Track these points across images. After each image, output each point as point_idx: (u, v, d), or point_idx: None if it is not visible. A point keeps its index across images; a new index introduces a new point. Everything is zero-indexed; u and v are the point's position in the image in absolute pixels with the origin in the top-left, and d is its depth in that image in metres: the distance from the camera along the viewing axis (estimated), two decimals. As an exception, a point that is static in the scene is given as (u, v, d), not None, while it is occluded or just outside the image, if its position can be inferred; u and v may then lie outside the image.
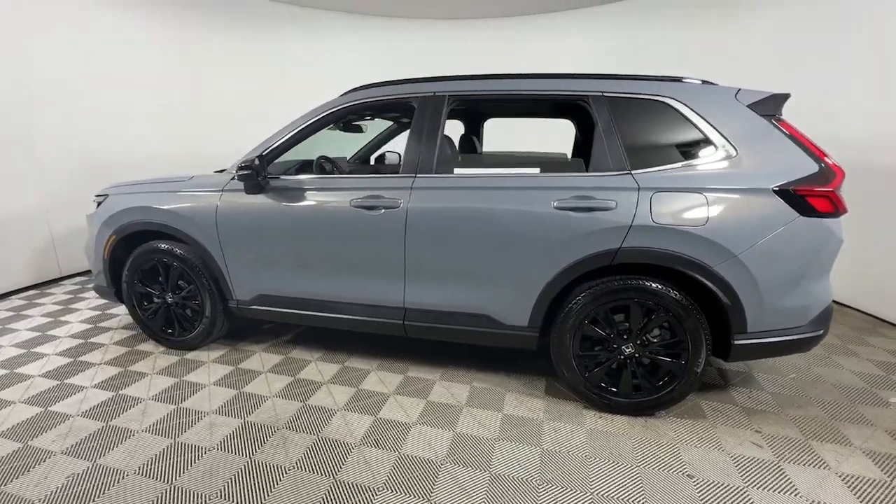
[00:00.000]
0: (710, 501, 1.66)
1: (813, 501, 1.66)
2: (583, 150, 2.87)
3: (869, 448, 1.95)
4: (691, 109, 2.04)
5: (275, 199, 2.45)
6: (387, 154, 3.23)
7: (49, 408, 2.20)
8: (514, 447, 1.95)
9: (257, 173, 2.38)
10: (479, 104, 2.92)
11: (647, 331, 2.09)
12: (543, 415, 2.18)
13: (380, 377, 2.51)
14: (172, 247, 2.65)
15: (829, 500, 1.66)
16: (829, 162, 1.93)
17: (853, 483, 1.75)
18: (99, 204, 2.87)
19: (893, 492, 1.71)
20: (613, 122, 2.10)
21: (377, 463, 1.83)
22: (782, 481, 1.76)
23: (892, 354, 2.80)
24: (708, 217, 1.92)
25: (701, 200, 1.94)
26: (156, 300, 2.82)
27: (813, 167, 1.91)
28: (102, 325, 3.22)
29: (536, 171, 2.19)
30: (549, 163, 2.32)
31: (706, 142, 2.01)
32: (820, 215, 1.89)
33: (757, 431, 2.06)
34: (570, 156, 3.29)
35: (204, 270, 2.63)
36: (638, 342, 2.10)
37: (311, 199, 2.41)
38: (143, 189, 2.76)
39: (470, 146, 3.24)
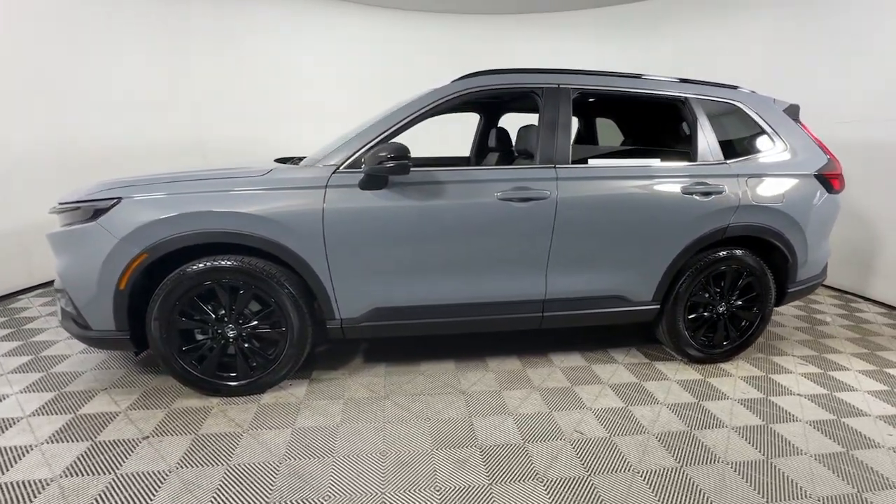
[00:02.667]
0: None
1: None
2: (666, 143, 3.00)
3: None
4: (754, 112, 2.60)
5: (401, 195, 2.12)
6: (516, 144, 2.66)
7: None
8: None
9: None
10: (595, 99, 2.81)
11: (733, 291, 2.58)
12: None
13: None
14: (243, 262, 2.03)
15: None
16: (832, 154, 2.71)
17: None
18: (76, 217, 2.00)
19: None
20: (707, 121, 2.51)
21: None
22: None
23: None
24: (784, 195, 2.50)
25: (777, 183, 2.50)
26: (203, 337, 2.12)
27: (825, 158, 2.66)
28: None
29: (657, 161, 2.46)
30: (664, 154, 2.59)
31: (768, 137, 2.59)
32: (834, 192, 2.65)
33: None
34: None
35: (291, 287, 2.09)
36: (727, 302, 2.58)
37: (448, 193, 2.17)
38: (189, 189, 2.01)
39: (590, 138, 3.36)
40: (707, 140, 2.49)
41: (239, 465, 1.72)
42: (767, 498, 1.63)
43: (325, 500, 1.56)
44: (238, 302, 2.08)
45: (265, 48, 5.42)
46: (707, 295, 2.56)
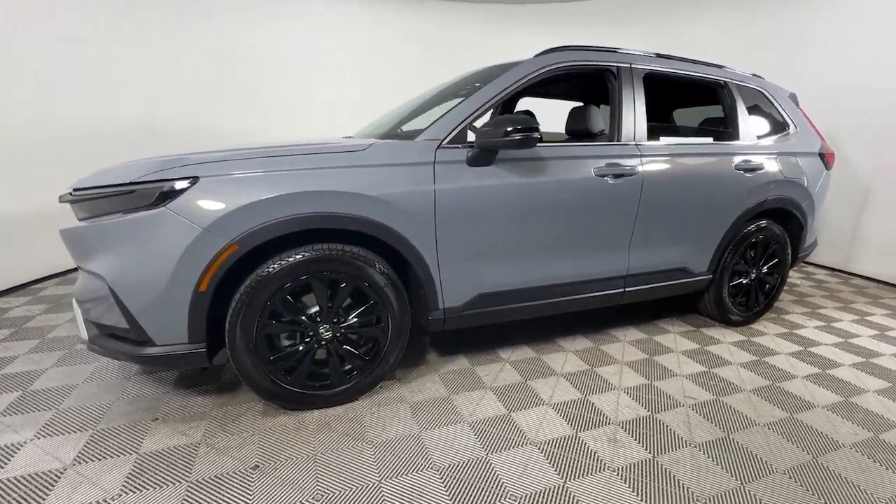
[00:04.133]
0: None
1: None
2: (713, 124, 2.96)
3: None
4: (773, 96, 2.90)
5: (507, 172, 1.99)
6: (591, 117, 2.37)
7: None
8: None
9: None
10: (657, 82, 2.63)
11: (759, 259, 2.87)
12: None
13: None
14: (345, 251, 1.76)
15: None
16: (823, 137, 3.13)
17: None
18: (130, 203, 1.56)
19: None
20: (743, 104, 2.74)
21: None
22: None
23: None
24: (803, 171, 2.83)
25: (797, 160, 2.82)
26: (291, 342, 1.80)
27: (819, 140, 3.07)
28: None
29: (711, 140, 2.62)
30: (715, 134, 2.74)
31: (784, 120, 2.91)
32: (828, 169, 3.07)
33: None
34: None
35: (396, 277, 1.87)
36: (757, 269, 2.87)
37: (550, 170, 2.09)
38: (282, 166, 1.67)
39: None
40: (746, 121, 2.72)
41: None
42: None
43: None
44: (337, 297, 1.80)
45: (229, 31, 4.77)
46: (744, 263, 2.81)
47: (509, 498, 1.43)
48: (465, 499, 1.42)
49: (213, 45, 4.70)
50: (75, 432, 1.68)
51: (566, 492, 1.47)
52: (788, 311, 3.26)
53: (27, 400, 1.89)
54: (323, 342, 1.82)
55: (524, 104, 3.33)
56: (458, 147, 1.93)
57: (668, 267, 2.53)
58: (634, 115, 2.35)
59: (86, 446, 1.61)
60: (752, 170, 2.63)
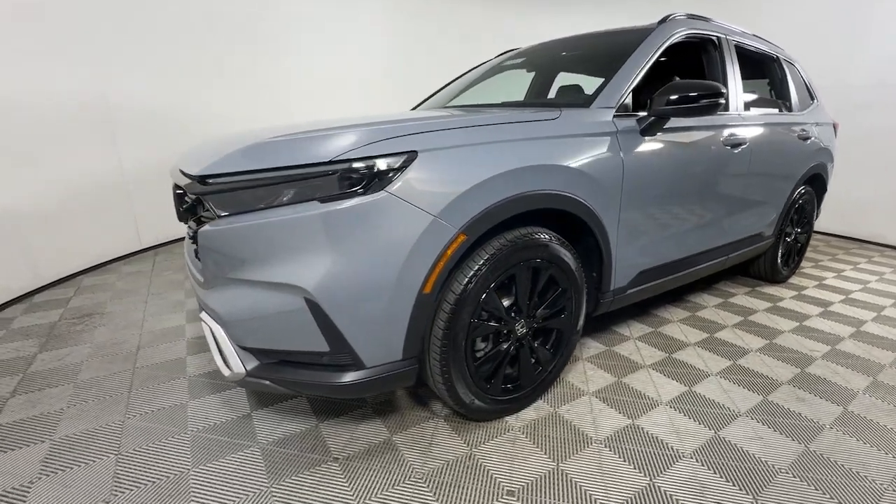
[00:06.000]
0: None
1: (883, 279, 3.30)
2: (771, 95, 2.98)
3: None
4: (801, 69, 3.17)
5: (669, 142, 1.91)
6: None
7: None
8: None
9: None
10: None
11: (798, 220, 3.18)
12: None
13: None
14: (552, 236, 1.55)
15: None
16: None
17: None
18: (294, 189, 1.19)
19: (872, 266, 3.60)
20: (789, 77, 2.95)
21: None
22: (865, 277, 3.35)
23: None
24: (830, 139, 3.15)
25: (826, 129, 3.14)
26: (486, 345, 1.56)
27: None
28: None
29: (776, 111, 2.78)
30: (774, 104, 2.87)
31: (811, 92, 3.21)
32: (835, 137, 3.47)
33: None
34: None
35: (582, 261, 1.71)
36: (796, 229, 3.18)
37: (699, 140, 2.05)
38: (491, 137, 1.38)
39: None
40: (795, 93, 2.95)
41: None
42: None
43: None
44: (535, 288, 1.58)
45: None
46: (791, 225, 3.09)
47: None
48: (750, 482, 1.36)
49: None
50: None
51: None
52: (802, 265, 3.68)
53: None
54: (518, 340, 1.60)
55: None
56: (627, 115, 1.80)
57: (753, 232, 2.67)
58: (736, 85, 2.40)
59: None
60: (807, 138, 2.87)
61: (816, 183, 3.21)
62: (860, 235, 4.65)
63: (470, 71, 3.01)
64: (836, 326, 2.51)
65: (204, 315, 1.38)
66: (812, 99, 3.19)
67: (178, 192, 1.62)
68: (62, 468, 1.39)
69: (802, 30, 4.73)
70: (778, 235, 2.93)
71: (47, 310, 2.62)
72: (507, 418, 1.65)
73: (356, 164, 1.19)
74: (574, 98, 2.04)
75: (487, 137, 1.39)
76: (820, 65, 4.36)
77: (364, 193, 1.19)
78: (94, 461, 1.42)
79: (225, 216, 1.25)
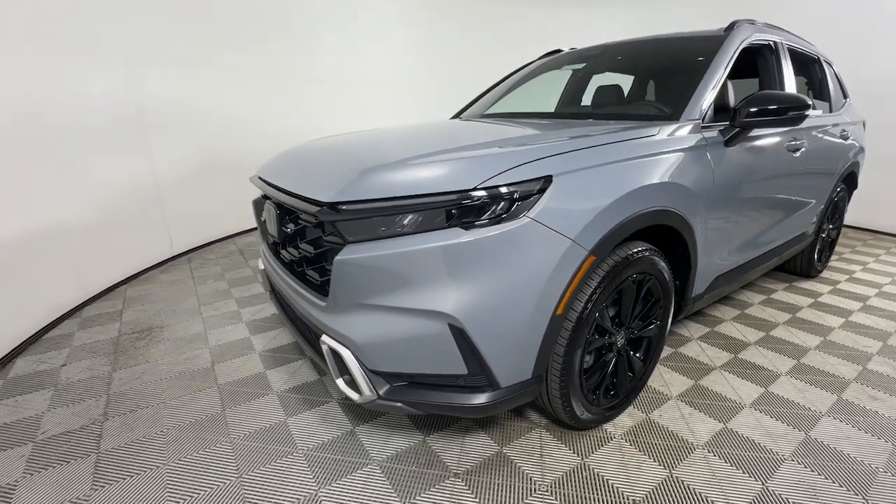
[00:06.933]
0: None
1: None
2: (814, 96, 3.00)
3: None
4: (836, 70, 3.24)
5: (748, 151, 1.95)
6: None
7: None
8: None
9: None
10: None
11: (832, 217, 3.27)
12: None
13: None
14: (652, 249, 1.59)
15: None
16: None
17: (888, 261, 3.68)
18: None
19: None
20: (828, 77, 3.02)
21: None
22: (891, 269, 3.48)
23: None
24: (863, 137, 3.24)
25: (860, 126, 3.23)
26: (591, 356, 1.60)
27: (852, 109, 3.54)
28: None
29: (821, 112, 2.85)
30: (821, 106, 2.91)
31: (844, 91, 3.28)
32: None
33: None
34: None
35: (672, 271, 1.76)
36: (829, 225, 3.28)
37: (769, 147, 2.10)
38: (609, 156, 1.40)
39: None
40: (834, 93, 3.02)
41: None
42: None
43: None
44: (636, 300, 1.63)
45: None
46: (827, 222, 3.18)
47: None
48: (856, 482, 1.43)
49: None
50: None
51: None
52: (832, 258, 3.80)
53: (261, 489, 1.41)
54: (617, 351, 1.65)
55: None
56: (712, 126, 1.83)
57: (801, 231, 2.75)
58: (794, 89, 2.44)
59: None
60: (846, 138, 2.94)
61: (850, 180, 3.31)
62: (875, 226, 4.82)
63: (515, 73, 3.01)
64: (880, 321, 2.61)
65: (327, 339, 1.38)
66: (845, 97, 3.26)
67: (279, 211, 1.61)
68: (187, 495, 1.40)
69: (820, 20, 4.81)
70: (817, 233, 3.02)
71: (102, 324, 2.57)
72: (605, 426, 1.70)
73: (500, 190, 1.20)
74: (649, 109, 2.07)
75: (609, 157, 1.41)
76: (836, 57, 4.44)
77: (507, 220, 1.21)
78: (216, 485, 1.43)
79: (357, 242, 1.25)
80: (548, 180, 1.26)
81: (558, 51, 2.99)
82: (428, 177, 1.24)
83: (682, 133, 1.71)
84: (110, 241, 3.06)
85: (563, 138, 1.45)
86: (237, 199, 4.01)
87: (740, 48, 2.06)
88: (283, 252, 1.69)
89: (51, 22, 2.64)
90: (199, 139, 3.87)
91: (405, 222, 1.22)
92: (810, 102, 1.81)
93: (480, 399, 1.31)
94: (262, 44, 4.28)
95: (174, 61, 3.57)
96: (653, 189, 1.48)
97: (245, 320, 2.61)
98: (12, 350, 2.24)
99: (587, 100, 2.78)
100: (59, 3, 2.68)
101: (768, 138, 2.12)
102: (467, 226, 1.20)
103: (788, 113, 1.77)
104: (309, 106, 4.86)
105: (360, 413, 1.77)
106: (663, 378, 2.02)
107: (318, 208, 1.29)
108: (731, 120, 1.84)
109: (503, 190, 1.21)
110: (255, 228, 4.54)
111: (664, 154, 1.58)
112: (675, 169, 1.59)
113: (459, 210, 1.20)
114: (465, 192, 1.19)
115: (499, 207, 1.21)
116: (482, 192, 1.20)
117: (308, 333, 1.61)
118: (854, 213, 4.89)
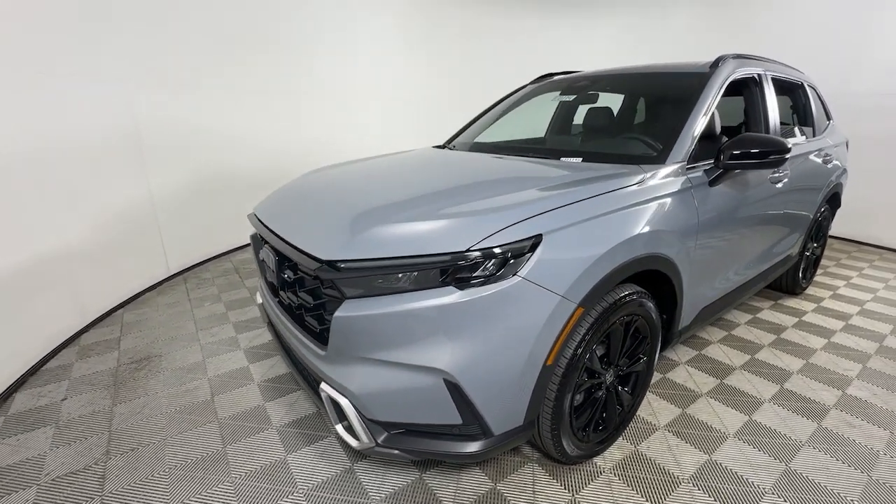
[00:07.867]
0: None
1: (889, 287, 3.54)
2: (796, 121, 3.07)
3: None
4: (818, 91, 3.32)
5: (730, 188, 2.02)
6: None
7: None
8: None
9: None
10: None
11: (816, 236, 3.36)
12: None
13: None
14: (641, 291, 1.65)
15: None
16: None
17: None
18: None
19: (876, 273, 3.84)
20: (811, 101, 3.10)
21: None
22: (873, 285, 3.58)
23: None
24: (846, 157, 3.33)
25: (843, 147, 3.32)
26: (580, 395, 1.66)
27: (838, 129, 3.63)
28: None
29: (804, 138, 2.93)
30: (803, 132, 2.98)
31: (827, 112, 3.37)
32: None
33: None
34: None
35: (659, 307, 1.82)
36: (814, 244, 3.37)
37: (752, 181, 2.17)
38: (592, 210, 1.46)
39: None
40: (817, 117, 3.10)
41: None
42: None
43: None
44: (624, 340, 1.69)
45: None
46: (811, 241, 3.27)
47: None
48: None
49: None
50: None
51: None
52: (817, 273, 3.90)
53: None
54: (606, 388, 1.71)
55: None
56: (696, 167, 1.90)
57: (785, 254, 2.84)
58: (777, 119, 2.52)
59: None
60: (829, 161, 3.03)
61: (833, 200, 3.40)
62: (859, 237, 4.93)
63: (504, 99, 3.06)
64: (861, 342, 2.70)
65: (326, 387, 1.43)
66: (828, 119, 3.35)
67: (278, 258, 1.65)
68: (193, 539, 1.44)
69: (807, 34, 4.91)
70: (801, 253, 3.11)
71: (100, 353, 2.60)
72: (595, 459, 1.77)
73: (493, 251, 1.26)
74: (636, 146, 2.12)
75: (596, 210, 1.47)
76: (823, 72, 4.55)
77: (499, 279, 1.26)
78: (220, 528, 1.48)
79: (354, 298, 1.30)
80: (538, 238, 1.32)
81: (549, 75, 3.05)
82: (424, 236, 1.29)
83: (667, 178, 1.77)
84: (108, 264, 3.08)
85: (552, 192, 1.50)
86: (232, 215, 4.04)
87: (725, 84, 2.13)
88: (281, 294, 1.74)
89: (47, 45, 2.64)
90: (194, 156, 3.89)
91: (402, 280, 1.27)
92: (790, 146, 1.88)
93: (474, 447, 1.37)
94: (259, 59, 4.29)
95: (170, 82, 3.58)
96: (639, 238, 1.54)
97: (243, 347, 2.64)
98: (12, 384, 2.27)
99: (575, 129, 2.84)
100: (55, 26, 2.68)
101: (751, 173, 2.19)
102: (461, 284, 1.26)
103: (769, 157, 1.83)
104: (306, 121, 4.88)
105: (358, 451, 1.82)
106: (651, 406, 2.09)
107: (318, 265, 1.34)
108: (716, 160, 1.91)
109: (496, 251, 1.26)
110: (250, 244, 4.57)
111: (650, 202, 1.64)
112: (661, 216, 1.65)
113: (454, 269, 1.26)
114: (459, 254, 1.25)
115: (491, 265, 1.27)
116: (476, 253, 1.25)
117: (307, 375, 1.66)
118: (839, 225, 5.01)
